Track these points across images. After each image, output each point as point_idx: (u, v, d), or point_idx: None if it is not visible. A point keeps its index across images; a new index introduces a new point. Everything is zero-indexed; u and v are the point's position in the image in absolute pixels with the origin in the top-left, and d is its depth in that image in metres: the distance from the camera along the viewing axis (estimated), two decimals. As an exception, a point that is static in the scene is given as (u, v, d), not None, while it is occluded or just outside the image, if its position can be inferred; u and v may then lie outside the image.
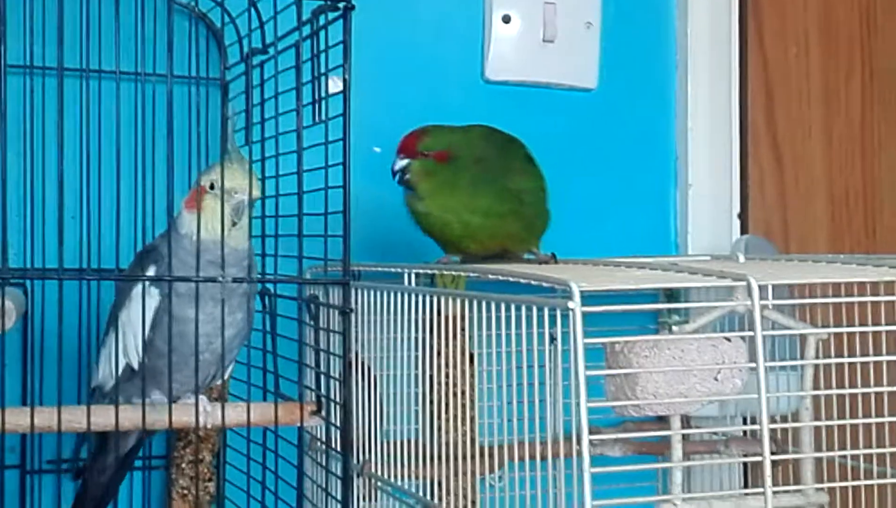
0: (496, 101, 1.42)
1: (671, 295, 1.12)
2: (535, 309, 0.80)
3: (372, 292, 1.08)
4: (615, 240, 1.46)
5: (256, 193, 0.98)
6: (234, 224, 0.96)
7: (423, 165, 1.14)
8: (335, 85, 1.35)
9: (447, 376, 1.08)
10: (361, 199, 1.31)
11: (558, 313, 0.77)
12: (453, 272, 1.05)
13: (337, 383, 1.02)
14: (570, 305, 0.74)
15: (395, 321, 1.05)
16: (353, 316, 1.01)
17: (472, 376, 1.10)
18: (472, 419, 1.10)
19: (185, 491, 1.17)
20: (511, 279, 0.86)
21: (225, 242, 0.96)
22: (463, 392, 1.09)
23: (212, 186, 0.97)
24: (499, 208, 1.15)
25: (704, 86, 1.50)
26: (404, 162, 1.15)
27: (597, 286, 0.78)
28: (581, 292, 0.74)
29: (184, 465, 1.17)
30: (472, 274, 1.03)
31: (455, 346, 1.04)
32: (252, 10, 1.13)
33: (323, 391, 1.04)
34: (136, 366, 0.99)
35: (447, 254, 1.18)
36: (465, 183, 1.14)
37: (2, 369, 0.92)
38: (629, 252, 1.34)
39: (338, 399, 1.01)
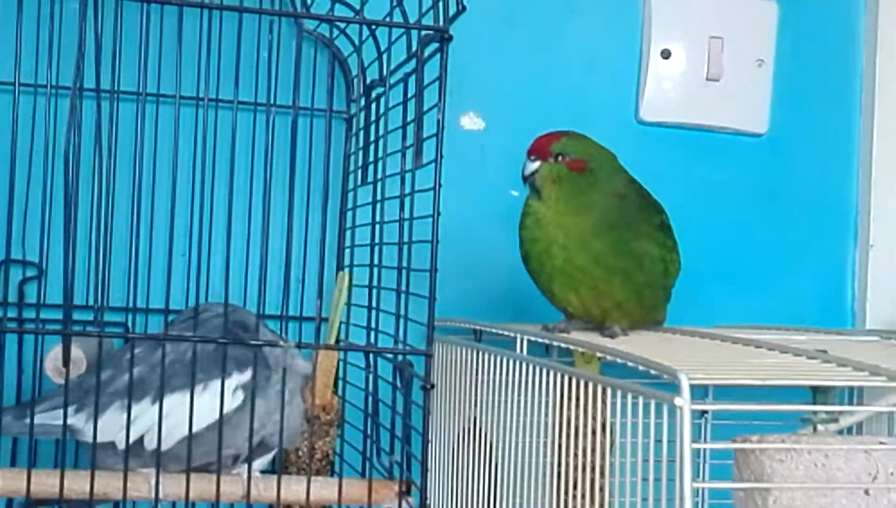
0: (651, 144, 1.28)
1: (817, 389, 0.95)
2: (640, 400, 0.67)
3: (490, 356, 0.97)
4: (780, 306, 1.31)
5: None
6: None
7: (553, 170, 1.00)
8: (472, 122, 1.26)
9: (578, 447, 0.93)
10: (496, 248, 1.20)
11: (665, 409, 0.64)
12: (559, 343, 0.91)
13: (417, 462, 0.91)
14: (678, 402, 0.61)
15: (516, 386, 0.93)
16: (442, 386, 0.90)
17: (604, 446, 0.95)
18: (604, 496, 0.95)
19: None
20: (619, 360, 0.73)
21: None
22: (594, 467, 0.94)
23: None
24: (611, 260, 0.98)
25: (894, 133, 1.32)
26: (534, 165, 1.00)
27: (711, 379, 0.64)
28: (692, 385, 0.61)
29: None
30: (578, 348, 0.89)
31: (588, 415, 0.90)
32: (371, 39, 1.04)
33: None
34: (161, 450, 0.88)
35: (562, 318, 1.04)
36: (593, 210, 0.99)
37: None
38: (796, 321, 1.19)
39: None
